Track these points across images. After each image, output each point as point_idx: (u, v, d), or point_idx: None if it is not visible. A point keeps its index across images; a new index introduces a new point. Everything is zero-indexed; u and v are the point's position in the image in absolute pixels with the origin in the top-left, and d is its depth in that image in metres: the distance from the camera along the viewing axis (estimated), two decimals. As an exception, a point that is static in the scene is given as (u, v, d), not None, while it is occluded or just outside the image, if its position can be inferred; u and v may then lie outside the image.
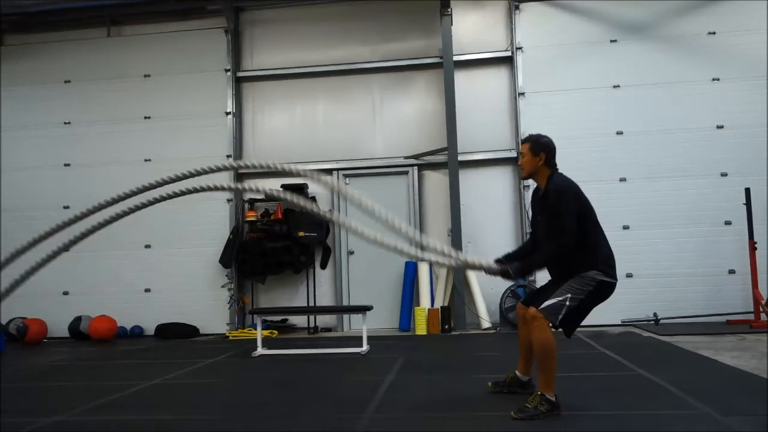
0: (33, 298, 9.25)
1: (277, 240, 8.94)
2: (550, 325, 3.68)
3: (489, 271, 3.82)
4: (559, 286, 3.73)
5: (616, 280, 3.78)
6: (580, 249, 3.70)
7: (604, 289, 3.73)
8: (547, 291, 3.82)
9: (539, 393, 3.63)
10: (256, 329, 7.14)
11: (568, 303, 3.65)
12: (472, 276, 8.58)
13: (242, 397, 4.69)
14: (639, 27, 8.71)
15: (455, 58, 8.72)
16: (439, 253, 3.74)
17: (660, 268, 8.26)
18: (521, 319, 4.07)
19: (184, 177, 3.63)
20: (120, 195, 3.63)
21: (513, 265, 3.81)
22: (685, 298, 8.16)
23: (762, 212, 7.99)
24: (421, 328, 8.30)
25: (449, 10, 8.64)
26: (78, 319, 9.01)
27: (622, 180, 8.49)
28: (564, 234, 3.65)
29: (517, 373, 4.21)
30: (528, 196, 8.44)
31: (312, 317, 8.90)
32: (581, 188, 3.86)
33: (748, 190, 7.81)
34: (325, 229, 9.02)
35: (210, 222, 9.23)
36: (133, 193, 3.62)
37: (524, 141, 4.05)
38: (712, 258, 8.21)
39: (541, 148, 3.92)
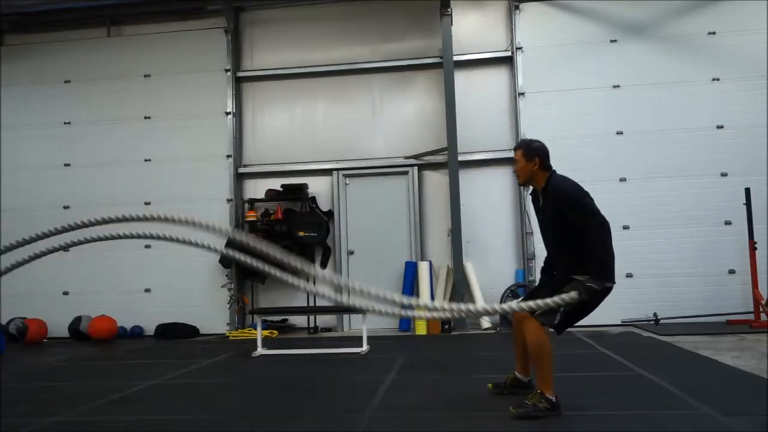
0: (33, 298, 9.28)
1: (277, 240, 8.93)
2: (551, 328, 3.66)
3: (580, 297, 3.53)
4: (553, 292, 3.61)
5: (614, 282, 3.69)
6: (582, 248, 3.67)
7: (600, 293, 3.65)
8: (541, 295, 3.69)
9: (538, 391, 3.63)
10: (256, 329, 7.14)
11: (562, 308, 3.61)
12: (472, 276, 8.58)
13: (242, 397, 4.70)
14: (639, 27, 8.71)
15: (455, 58, 8.72)
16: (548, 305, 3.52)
17: (660, 268, 8.26)
18: (516, 321, 4.05)
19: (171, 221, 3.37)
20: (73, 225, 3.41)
21: (590, 280, 3.57)
22: (685, 298, 8.15)
23: (762, 212, 7.98)
24: (421, 328, 8.30)
25: (449, 10, 8.64)
26: (78, 319, 9.00)
27: (622, 180, 8.49)
28: (595, 217, 3.62)
29: (517, 374, 4.20)
30: (527, 195, 8.49)
31: (312, 317, 8.90)
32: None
33: (748, 190, 7.81)
34: (325, 230, 9.01)
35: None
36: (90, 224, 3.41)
37: (516, 148, 4.05)
38: (712, 258, 8.20)
39: (534, 153, 3.91)
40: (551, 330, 3.73)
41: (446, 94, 8.62)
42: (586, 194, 3.76)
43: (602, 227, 3.63)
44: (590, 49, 8.76)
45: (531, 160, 3.90)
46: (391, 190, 9.14)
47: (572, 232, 3.71)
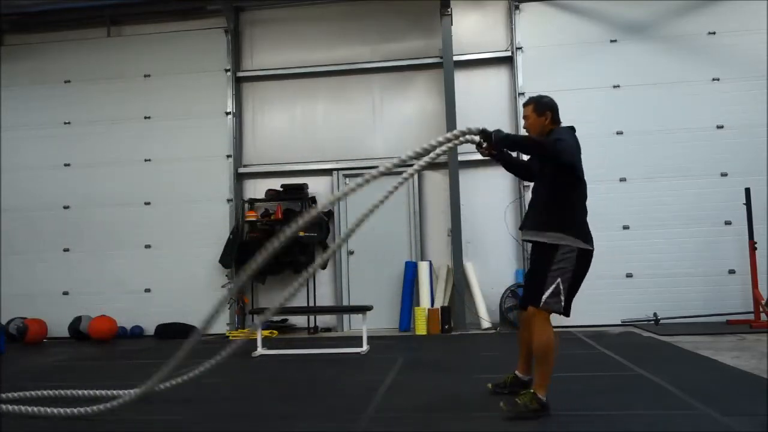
0: (33, 298, 9.28)
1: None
2: (561, 313, 3.65)
3: (469, 134, 3.74)
4: (545, 274, 3.66)
5: (593, 248, 3.73)
6: (562, 204, 3.71)
7: (584, 257, 3.68)
8: (537, 285, 3.72)
9: (532, 391, 3.62)
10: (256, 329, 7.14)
11: (562, 286, 3.61)
12: (472, 276, 8.58)
13: (242, 397, 4.69)
14: (639, 27, 8.71)
15: (455, 58, 8.72)
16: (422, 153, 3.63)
17: (660, 268, 8.25)
18: (523, 322, 4.05)
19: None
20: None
21: (497, 131, 3.70)
22: (685, 298, 8.15)
23: (762, 212, 7.99)
24: (421, 328, 8.30)
25: (449, 10, 8.64)
26: (78, 319, 9.00)
27: (622, 180, 8.49)
28: (560, 144, 3.61)
29: (518, 373, 4.18)
30: (529, 196, 8.47)
31: (312, 317, 8.90)
32: None
33: (748, 190, 7.81)
34: (325, 229, 9.02)
35: (210, 222, 9.23)
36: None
37: (526, 103, 4.04)
38: (712, 258, 8.20)
39: (545, 107, 3.95)
40: (567, 316, 3.72)
41: (446, 94, 8.62)
42: (575, 144, 3.73)
43: (552, 147, 3.60)
44: (590, 49, 8.77)
45: (542, 114, 3.93)
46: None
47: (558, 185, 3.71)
